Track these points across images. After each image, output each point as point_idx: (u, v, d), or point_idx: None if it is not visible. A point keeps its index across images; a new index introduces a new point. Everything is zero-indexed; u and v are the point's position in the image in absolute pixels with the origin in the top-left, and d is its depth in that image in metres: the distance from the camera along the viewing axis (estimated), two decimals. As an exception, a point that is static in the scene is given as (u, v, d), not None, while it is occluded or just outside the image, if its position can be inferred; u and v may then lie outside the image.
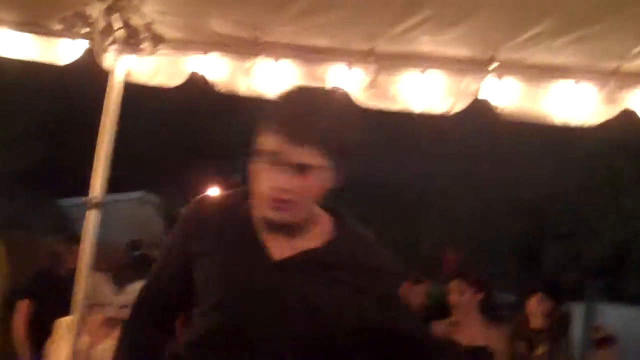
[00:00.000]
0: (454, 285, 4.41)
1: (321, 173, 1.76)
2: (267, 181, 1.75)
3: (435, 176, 24.94)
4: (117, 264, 6.45)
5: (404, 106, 3.91)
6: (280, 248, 1.83)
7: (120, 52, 3.87)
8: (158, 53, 3.96)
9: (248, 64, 3.94)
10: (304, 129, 1.72)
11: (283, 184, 1.73)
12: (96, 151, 3.81)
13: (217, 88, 4.00)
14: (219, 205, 1.95)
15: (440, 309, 4.84)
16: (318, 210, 1.89)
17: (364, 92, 3.89)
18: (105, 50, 3.87)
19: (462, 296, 4.36)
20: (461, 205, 26.24)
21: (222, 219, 1.89)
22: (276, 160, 1.73)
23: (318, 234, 1.87)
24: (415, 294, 5.72)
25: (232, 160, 14.72)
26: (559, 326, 4.96)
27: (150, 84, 4.10)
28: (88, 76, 5.01)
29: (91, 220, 3.76)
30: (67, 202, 19.11)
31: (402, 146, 22.78)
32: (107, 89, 3.87)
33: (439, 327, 4.39)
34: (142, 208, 21.25)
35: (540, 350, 4.82)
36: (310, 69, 3.92)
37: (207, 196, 2.02)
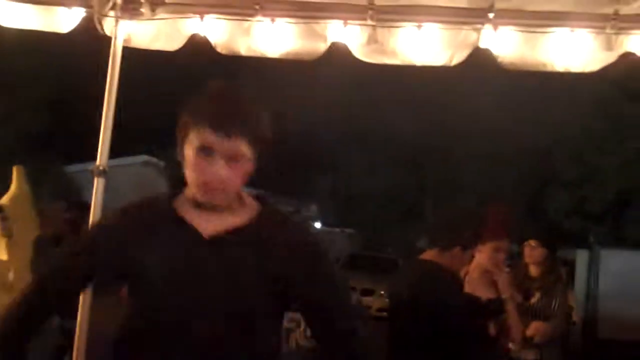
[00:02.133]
0: (501, 244, 4.28)
1: (247, 161, 2.01)
2: (202, 172, 1.98)
3: (439, 128, 24.98)
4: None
5: (403, 60, 3.93)
6: (209, 225, 2.04)
7: (120, 17, 3.88)
8: (157, 17, 3.96)
9: (247, 24, 3.94)
10: (233, 124, 1.95)
11: (218, 173, 1.96)
12: (102, 118, 3.84)
13: (217, 49, 4.01)
14: (138, 211, 2.15)
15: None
16: (243, 192, 2.12)
17: (363, 48, 3.90)
18: (105, 16, 3.88)
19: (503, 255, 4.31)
20: (465, 154, 26.32)
21: (146, 222, 2.09)
22: (209, 152, 1.96)
23: (245, 213, 2.10)
24: None
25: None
26: (552, 274, 5.02)
27: (151, 48, 4.10)
28: (88, 43, 5.02)
29: (99, 188, 3.81)
30: (72, 168, 19.22)
31: (405, 100, 22.74)
32: (110, 55, 3.89)
33: None
34: (145, 171, 21.36)
35: (535, 298, 4.90)
36: (309, 27, 3.92)
37: (123, 210, 2.17)
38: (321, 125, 27.07)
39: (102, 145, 3.83)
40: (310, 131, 27.24)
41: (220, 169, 1.96)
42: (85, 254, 2.15)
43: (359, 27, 3.87)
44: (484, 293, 4.19)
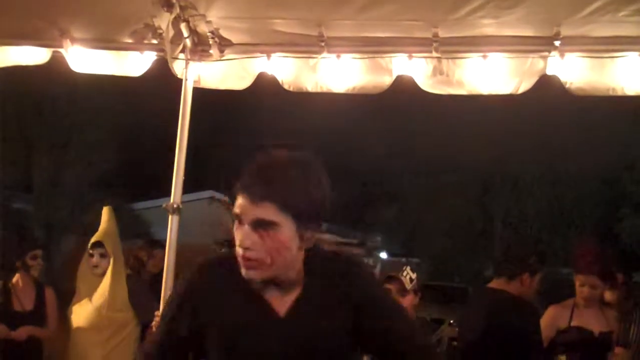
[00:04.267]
0: (588, 279, 4.32)
1: (282, 230, 1.89)
2: (237, 241, 1.92)
3: (506, 154, 24.68)
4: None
5: (470, 90, 3.92)
6: (280, 303, 2.00)
7: (190, 59, 4.01)
8: (225, 58, 4.07)
9: (313, 61, 4.01)
10: (261, 187, 1.86)
11: (245, 241, 1.89)
12: (175, 157, 3.95)
13: (285, 87, 4.08)
14: (223, 270, 2.05)
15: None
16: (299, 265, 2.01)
17: (429, 80, 3.92)
18: (175, 59, 4.01)
19: (594, 290, 4.33)
20: (533, 180, 25.89)
21: (227, 285, 2.02)
22: (240, 220, 1.91)
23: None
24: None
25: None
26: (630, 299, 4.89)
27: (220, 88, 4.21)
28: (156, 85, 5.18)
29: (173, 224, 3.90)
30: (139, 205, 19.62)
31: (471, 127, 22.51)
32: (182, 96, 4.01)
33: (559, 311, 4.42)
34: (211, 207, 21.62)
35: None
36: (374, 61, 3.96)
37: (210, 261, 2.13)
38: (385, 155, 27.07)
39: (175, 183, 3.93)
40: (375, 162, 27.26)
41: (246, 237, 1.89)
42: (184, 318, 2.07)
43: (424, 59, 3.90)
44: (594, 326, 4.24)
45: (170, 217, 3.90)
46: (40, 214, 17.24)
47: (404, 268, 3.73)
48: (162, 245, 5.26)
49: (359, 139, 23.68)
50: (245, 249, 1.89)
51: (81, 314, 4.64)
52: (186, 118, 3.99)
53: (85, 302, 4.66)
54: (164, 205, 3.92)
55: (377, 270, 14.30)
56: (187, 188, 4.06)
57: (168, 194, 3.93)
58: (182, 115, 3.98)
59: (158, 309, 3.59)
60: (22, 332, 4.66)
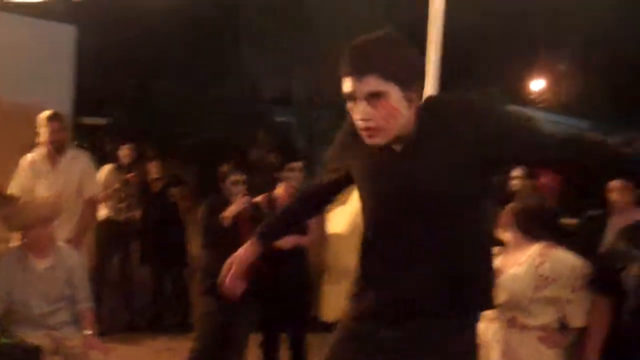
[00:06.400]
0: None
1: (391, 97, 2.07)
2: (355, 117, 2.14)
3: None
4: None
5: None
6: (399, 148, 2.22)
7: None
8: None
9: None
10: (362, 64, 2.06)
11: (362, 115, 2.10)
12: (427, 59, 3.83)
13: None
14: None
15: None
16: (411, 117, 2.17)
17: None
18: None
19: None
20: None
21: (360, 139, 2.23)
22: (352, 98, 2.11)
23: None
24: None
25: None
26: None
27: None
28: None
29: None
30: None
31: None
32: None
33: None
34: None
35: None
36: None
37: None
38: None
39: (429, 87, 3.80)
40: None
41: (364, 111, 2.10)
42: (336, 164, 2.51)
43: None
44: None
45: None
46: (301, 126, 18.10)
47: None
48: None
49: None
50: (364, 120, 2.11)
51: (337, 220, 4.79)
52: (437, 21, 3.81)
53: (340, 209, 4.79)
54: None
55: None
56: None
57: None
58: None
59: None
60: (289, 242, 4.88)
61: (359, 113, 2.12)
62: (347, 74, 2.09)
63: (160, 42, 16.42)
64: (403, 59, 2.09)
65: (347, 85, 2.10)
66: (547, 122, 20.66)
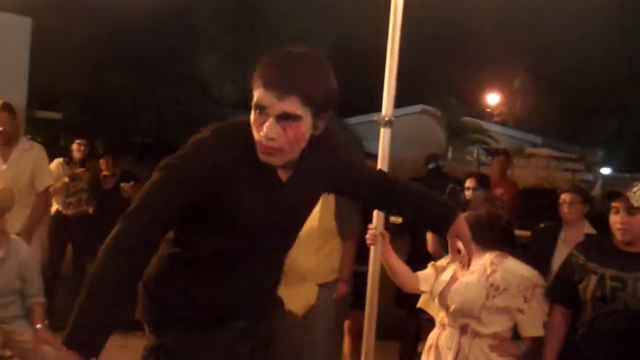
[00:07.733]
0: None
1: (302, 122, 2.05)
2: (258, 130, 2.05)
3: None
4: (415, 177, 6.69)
5: None
6: (283, 174, 2.22)
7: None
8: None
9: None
10: (287, 83, 1.99)
11: (269, 133, 2.02)
12: (386, 69, 3.83)
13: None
14: (238, 140, 2.15)
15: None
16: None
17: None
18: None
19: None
20: None
21: (242, 156, 2.14)
22: (263, 112, 2.03)
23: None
24: None
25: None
26: None
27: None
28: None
29: (385, 137, 3.85)
30: (351, 120, 19.99)
31: None
32: (391, 9, 3.85)
33: None
34: (422, 120, 21.50)
35: None
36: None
37: (222, 130, 2.21)
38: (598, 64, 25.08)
39: (387, 96, 3.84)
40: (590, 71, 25.42)
41: (272, 130, 2.02)
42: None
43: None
44: None
45: (382, 130, 3.85)
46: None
47: (634, 184, 3.38)
48: (374, 158, 5.28)
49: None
50: (269, 139, 2.03)
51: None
52: (397, 29, 3.83)
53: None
54: (375, 118, 3.88)
55: (597, 187, 13.53)
56: (399, 102, 3.95)
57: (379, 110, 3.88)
58: (392, 26, 3.83)
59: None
60: None
61: (266, 129, 2.02)
62: (268, 87, 2.00)
63: (117, 39, 16.28)
64: (325, 87, 2.07)
65: (263, 97, 2.01)
66: (502, 135, 21.07)
